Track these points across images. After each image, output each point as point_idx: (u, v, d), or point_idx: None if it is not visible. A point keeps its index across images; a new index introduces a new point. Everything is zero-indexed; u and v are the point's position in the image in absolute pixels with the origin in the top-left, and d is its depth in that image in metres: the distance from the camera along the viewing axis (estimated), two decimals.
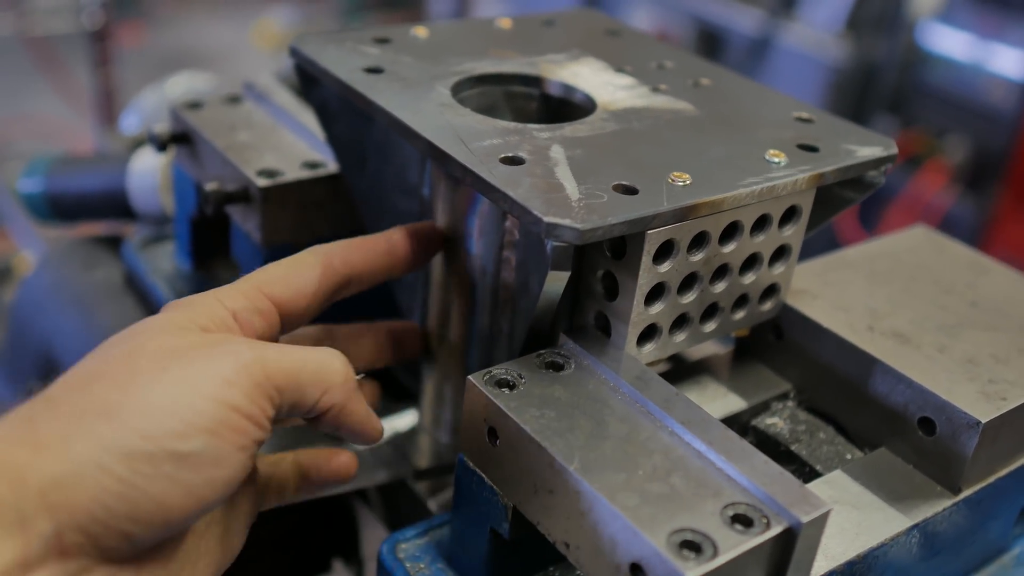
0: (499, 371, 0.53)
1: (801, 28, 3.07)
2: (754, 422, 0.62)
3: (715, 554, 0.43)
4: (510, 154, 0.54)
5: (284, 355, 0.48)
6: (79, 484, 0.41)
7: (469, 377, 0.52)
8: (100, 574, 0.43)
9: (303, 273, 0.56)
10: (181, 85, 1.24)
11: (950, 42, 2.88)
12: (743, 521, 0.44)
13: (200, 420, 0.43)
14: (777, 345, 0.64)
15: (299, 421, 0.53)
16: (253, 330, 0.53)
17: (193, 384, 0.44)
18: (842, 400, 0.61)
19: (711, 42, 3.27)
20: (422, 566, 0.58)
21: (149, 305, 0.86)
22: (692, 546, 0.43)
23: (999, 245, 2.76)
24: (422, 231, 0.62)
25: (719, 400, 0.63)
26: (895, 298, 0.65)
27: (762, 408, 0.63)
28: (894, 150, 0.60)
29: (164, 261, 0.87)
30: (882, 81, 3.01)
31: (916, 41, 2.96)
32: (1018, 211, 2.78)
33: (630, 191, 0.52)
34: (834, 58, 2.95)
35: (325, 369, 0.50)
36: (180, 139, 0.78)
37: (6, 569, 0.39)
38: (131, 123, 1.20)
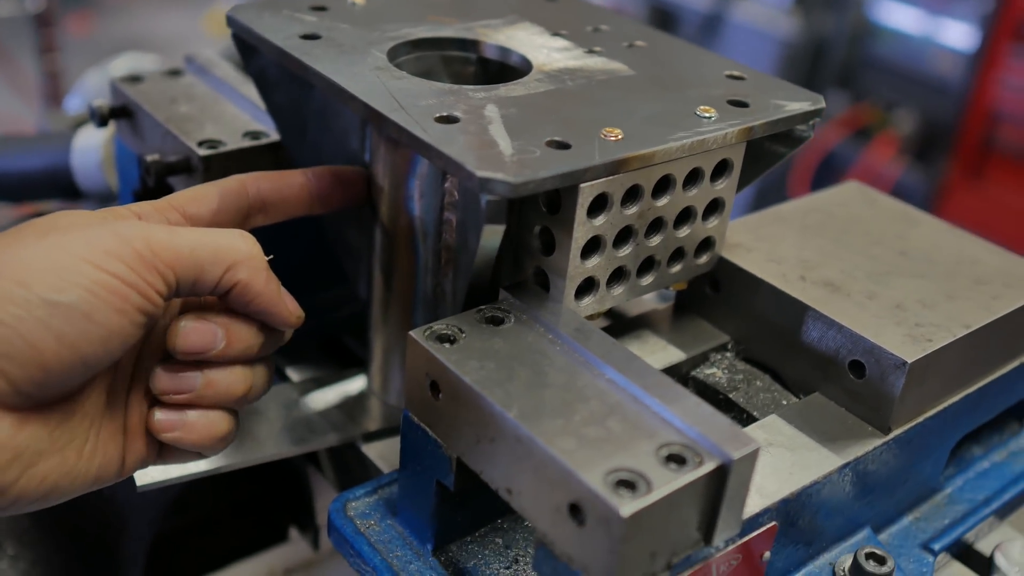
0: (440, 326, 0.54)
1: (752, 4, 3.10)
2: (693, 373, 0.64)
3: (649, 490, 0.44)
4: (445, 113, 0.55)
5: (177, 236, 0.50)
6: None
7: (410, 333, 0.53)
8: None
9: (211, 192, 0.58)
10: (126, 65, 1.23)
11: (898, 15, 2.92)
12: (676, 460, 0.46)
13: (76, 278, 0.46)
14: (714, 298, 0.66)
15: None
16: None
17: (71, 250, 0.47)
18: (777, 349, 0.63)
19: (664, 19, 3.29)
20: (372, 523, 0.59)
21: None
22: (627, 484, 0.44)
23: (948, 214, 2.81)
24: (344, 172, 0.64)
25: (659, 353, 0.65)
26: (827, 249, 0.66)
27: (701, 359, 0.65)
28: (821, 104, 0.62)
29: None
30: (832, 55, 3.05)
31: (865, 15, 3.00)
32: (966, 181, 2.84)
33: (563, 146, 0.53)
34: (785, 33, 2.98)
35: (225, 248, 0.51)
36: (121, 113, 0.77)
37: None
38: (75, 104, 1.19)
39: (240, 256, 0.52)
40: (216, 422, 0.54)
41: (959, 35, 2.77)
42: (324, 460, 0.73)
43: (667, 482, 0.44)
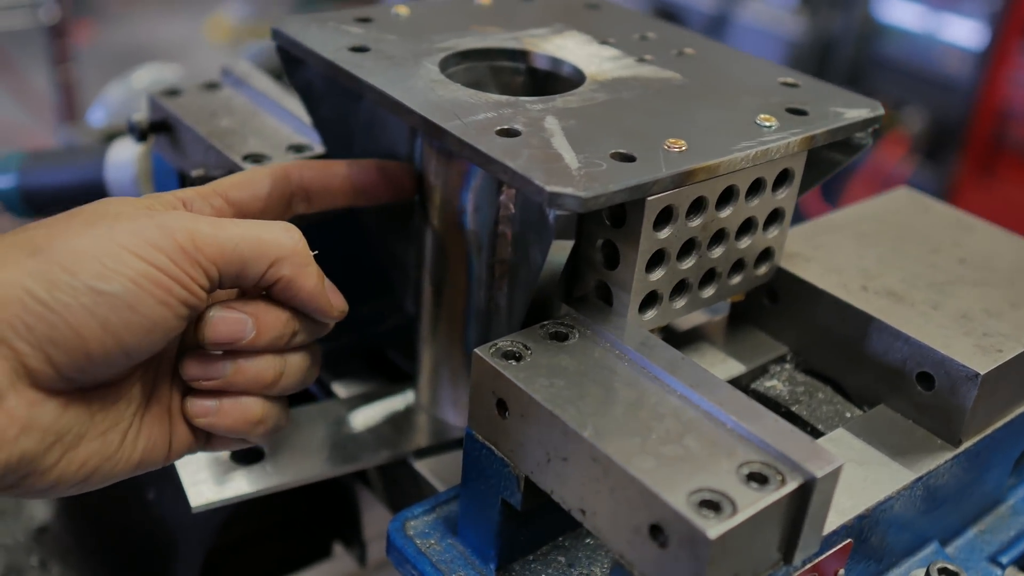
0: (504, 343, 0.53)
1: (757, 4, 3.09)
2: (753, 385, 0.63)
3: (734, 512, 0.43)
4: (506, 126, 0.54)
5: (221, 229, 0.50)
6: (5, 304, 0.44)
7: (476, 350, 0.52)
8: (29, 395, 0.46)
9: (256, 177, 0.59)
10: (148, 77, 1.23)
11: (905, 13, 2.92)
12: (759, 479, 0.45)
13: (121, 267, 0.46)
14: (772, 309, 0.65)
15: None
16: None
17: (118, 240, 0.47)
18: (840, 360, 0.62)
19: (669, 20, 3.27)
20: (432, 542, 0.58)
21: None
22: (711, 505, 0.43)
23: None
24: (388, 166, 0.63)
25: (717, 366, 0.64)
26: (885, 258, 0.65)
27: (760, 372, 0.64)
28: (880, 111, 0.61)
29: None
30: (839, 54, 3.04)
31: (871, 14, 2.99)
32: (977, 178, 2.83)
33: (628, 159, 0.52)
34: (791, 33, 2.97)
35: (269, 243, 0.51)
36: (160, 127, 0.77)
37: None
38: (99, 117, 1.18)
39: (284, 251, 0.52)
40: (249, 407, 0.54)
41: (967, 33, 2.77)
42: (373, 476, 0.72)
43: (752, 502, 0.44)
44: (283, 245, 0.52)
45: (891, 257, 0.66)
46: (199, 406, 0.53)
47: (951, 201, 2.78)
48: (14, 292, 0.45)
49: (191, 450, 0.55)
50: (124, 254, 0.47)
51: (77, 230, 0.48)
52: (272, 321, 0.53)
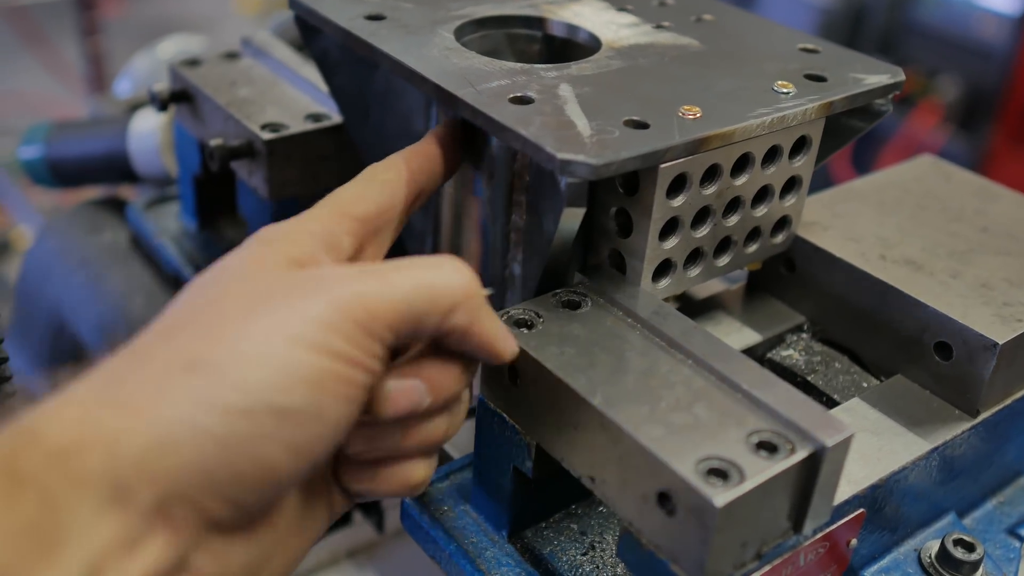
0: (516, 311, 0.53)
1: None
2: (769, 355, 0.63)
3: (742, 480, 0.43)
4: (519, 94, 0.54)
5: (389, 286, 0.43)
6: (177, 448, 0.37)
7: None
8: (214, 547, 0.40)
9: (383, 188, 0.52)
10: (173, 48, 1.23)
11: None
12: (768, 447, 0.45)
13: (300, 370, 0.39)
14: (789, 278, 0.64)
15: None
16: (344, 254, 0.48)
17: (288, 331, 0.40)
18: (856, 330, 0.61)
19: None
20: (446, 509, 0.58)
21: (156, 265, 0.86)
22: (719, 473, 0.43)
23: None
24: (445, 133, 0.57)
25: (733, 335, 0.63)
26: (905, 226, 0.65)
27: (777, 341, 0.64)
28: (901, 77, 0.60)
29: (170, 221, 0.87)
30: (872, 21, 2.99)
31: None
32: (1012, 148, 2.78)
33: (641, 126, 0.52)
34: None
35: (442, 289, 0.44)
36: (180, 97, 0.77)
37: (108, 548, 0.35)
38: (124, 88, 1.19)
39: (458, 297, 0.45)
40: (411, 472, 0.49)
41: None
42: None
43: (760, 471, 0.43)
44: (456, 289, 0.44)
45: (911, 225, 0.65)
46: (356, 475, 0.48)
47: (985, 171, 2.74)
48: (184, 432, 0.37)
49: (347, 508, 0.50)
50: (299, 352, 0.39)
51: (235, 325, 0.40)
52: (446, 382, 0.47)
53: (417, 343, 0.47)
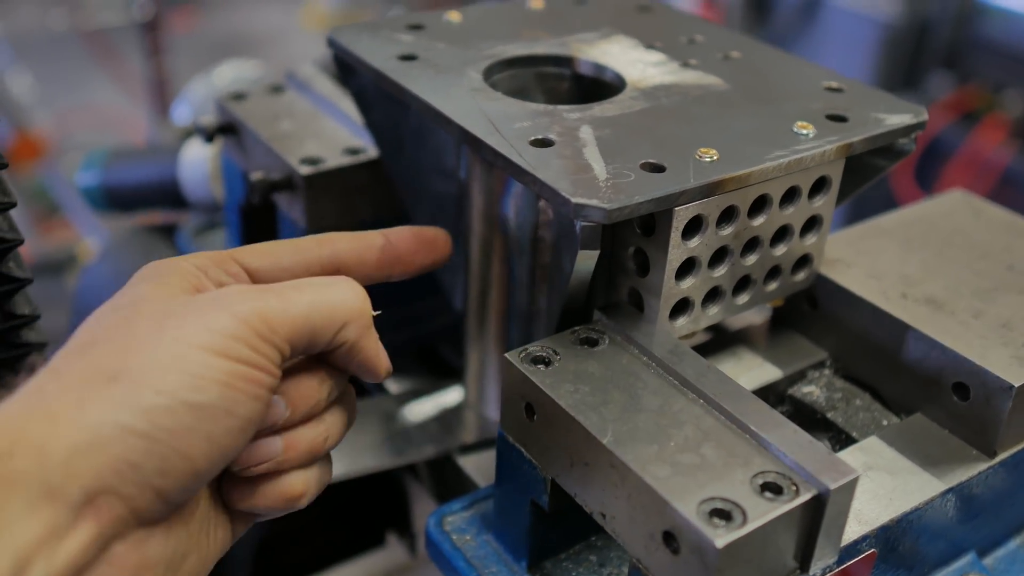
0: (535, 348, 0.54)
1: None
2: (790, 391, 0.63)
3: (744, 521, 0.44)
4: (540, 136, 0.56)
5: (290, 303, 0.47)
6: (103, 447, 0.40)
7: (506, 355, 0.54)
8: (135, 537, 0.43)
9: (278, 248, 0.54)
10: (229, 74, 1.27)
11: None
12: (772, 489, 0.46)
13: (211, 372, 0.43)
14: (812, 314, 0.65)
15: None
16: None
17: (195, 341, 0.44)
18: (877, 368, 0.62)
19: (759, 6, 3.22)
20: (468, 538, 0.60)
21: None
22: (722, 514, 0.44)
23: None
24: (425, 233, 0.60)
25: (755, 370, 0.64)
26: (929, 264, 0.65)
27: (798, 377, 0.64)
28: (924, 117, 0.60)
29: (216, 248, 0.89)
30: (937, 36, 2.95)
31: None
32: None
33: (657, 169, 0.53)
34: (887, 15, 2.89)
35: (338, 305, 0.49)
36: (226, 130, 0.80)
37: (37, 539, 0.39)
38: (182, 113, 1.23)
39: (352, 314, 0.49)
40: (289, 484, 0.50)
41: None
42: (422, 470, 0.74)
43: (763, 512, 0.44)
44: (350, 307, 0.49)
45: (936, 262, 0.65)
46: (240, 493, 0.49)
47: None
48: (110, 432, 0.41)
49: (248, 526, 0.52)
50: (207, 357, 0.43)
51: (145, 339, 0.44)
52: (305, 393, 0.50)
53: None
